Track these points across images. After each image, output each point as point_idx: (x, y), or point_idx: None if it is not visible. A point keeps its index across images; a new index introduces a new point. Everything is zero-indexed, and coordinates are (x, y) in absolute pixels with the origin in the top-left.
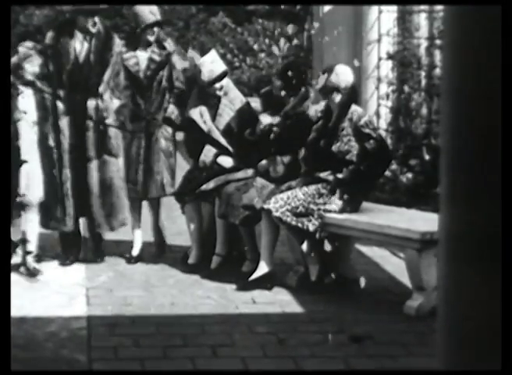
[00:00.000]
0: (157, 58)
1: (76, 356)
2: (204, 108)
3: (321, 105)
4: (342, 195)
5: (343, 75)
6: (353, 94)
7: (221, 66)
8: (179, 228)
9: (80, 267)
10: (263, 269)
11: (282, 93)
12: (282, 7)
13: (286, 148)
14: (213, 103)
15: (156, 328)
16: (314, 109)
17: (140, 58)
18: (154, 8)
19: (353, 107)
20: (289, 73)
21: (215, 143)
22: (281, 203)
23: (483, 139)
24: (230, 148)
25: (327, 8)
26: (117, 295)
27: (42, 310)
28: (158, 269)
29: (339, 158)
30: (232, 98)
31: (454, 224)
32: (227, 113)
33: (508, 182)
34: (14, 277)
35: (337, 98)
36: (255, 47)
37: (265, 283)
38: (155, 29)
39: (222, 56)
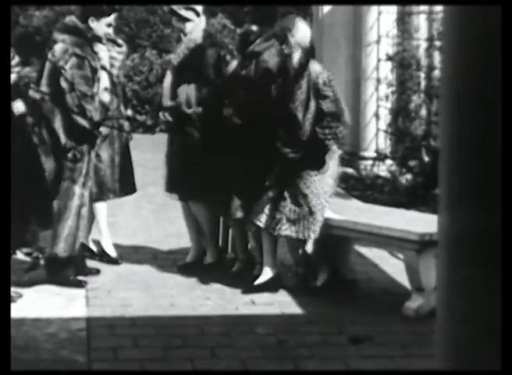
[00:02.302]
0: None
1: (76, 357)
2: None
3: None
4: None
5: (305, 32)
6: (312, 51)
7: None
8: (177, 230)
9: None
10: (267, 274)
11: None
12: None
13: (251, 95)
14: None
15: (155, 329)
16: (274, 61)
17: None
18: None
19: (311, 64)
20: (249, 40)
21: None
22: (276, 220)
23: (483, 140)
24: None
25: (326, 9)
26: (116, 296)
27: (42, 311)
28: (158, 270)
29: (295, 118)
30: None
31: (454, 225)
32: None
33: (508, 183)
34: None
35: (296, 55)
36: None
37: (271, 287)
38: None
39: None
